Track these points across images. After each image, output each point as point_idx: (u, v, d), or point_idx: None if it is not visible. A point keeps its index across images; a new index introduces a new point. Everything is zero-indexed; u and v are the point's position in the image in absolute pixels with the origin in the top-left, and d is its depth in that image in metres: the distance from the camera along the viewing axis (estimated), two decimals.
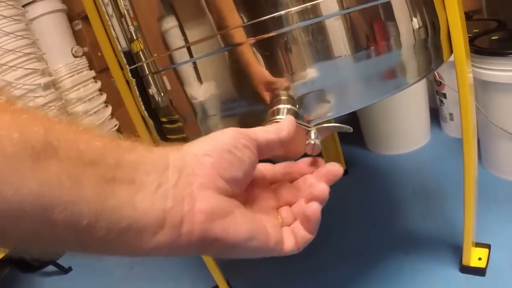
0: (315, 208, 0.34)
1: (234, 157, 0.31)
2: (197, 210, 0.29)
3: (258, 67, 0.54)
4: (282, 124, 0.38)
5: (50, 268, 1.47)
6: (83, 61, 1.82)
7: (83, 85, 1.80)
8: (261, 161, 0.37)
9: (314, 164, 0.40)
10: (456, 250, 0.95)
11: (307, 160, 0.41)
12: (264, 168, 0.39)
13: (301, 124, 0.46)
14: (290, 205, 0.38)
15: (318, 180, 0.37)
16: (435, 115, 1.52)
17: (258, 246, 0.32)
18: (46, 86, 1.61)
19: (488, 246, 0.94)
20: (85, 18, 1.85)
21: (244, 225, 0.31)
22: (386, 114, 1.44)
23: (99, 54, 1.86)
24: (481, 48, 1.06)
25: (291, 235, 0.35)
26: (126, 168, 0.27)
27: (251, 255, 0.32)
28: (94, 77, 1.86)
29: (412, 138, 1.49)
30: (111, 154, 0.26)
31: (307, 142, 0.43)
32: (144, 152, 0.29)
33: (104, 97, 1.89)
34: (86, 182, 0.24)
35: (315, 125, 0.45)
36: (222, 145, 0.31)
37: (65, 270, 1.45)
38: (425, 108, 1.47)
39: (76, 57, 1.78)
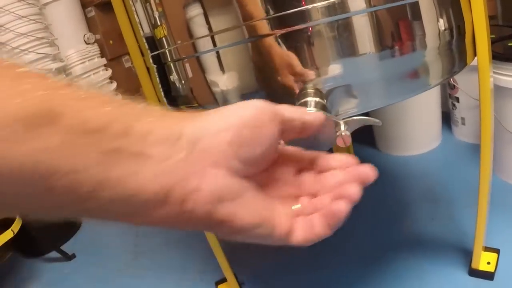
0: (343, 207, 0.31)
1: (254, 133, 0.29)
2: (203, 189, 0.27)
3: (284, 60, 0.54)
4: (311, 111, 0.36)
5: (54, 254, 1.47)
6: (95, 48, 1.82)
7: (94, 72, 1.80)
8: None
9: (346, 161, 0.36)
10: (465, 254, 0.95)
11: (339, 155, 0.37)
12: (292, 152, 0.36)
13: (331, 117, 0.46)
14: (312, 196, 0.35)
15: (348, 179, 0.33)
16: (447, 119, 1.53)
17: (264, 234, 0.30)
18: (57, 72, 1.61)
19: (497, 251, 0.94)
20: (99, 6, 1.85)
21: (252, 211, 0.29)
22: (398, 116, 1.44)
23: (111, 42, 1.86)
24: (497, 53, 1.06)
25: (304, 227, 0.32)
26: (134, 137, 0.25)
27: (256, 241, 0.31)
28: (105, 65, 1.86)
29: (423, 140, 1.48)
30: (118, 121, 0.25)
31: (337, 134, 0.43)
32: (156, 119, 0.27)
33: (114, 85, 1.89)
34: (88, 151, 0.23)
35: (343, 119, 0.45)
36: (243, 120, 0.29)
37: (68, 257, 1.45)
38: (437, 111, 1.47)
39: (88, 44, 1.78)
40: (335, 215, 0.31)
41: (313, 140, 0.47)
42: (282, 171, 0.35)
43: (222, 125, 0.28)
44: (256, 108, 0.30)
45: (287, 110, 0.32)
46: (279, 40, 0.53)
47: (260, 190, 0.31)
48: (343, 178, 0.34)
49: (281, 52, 0.54)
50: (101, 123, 0.24)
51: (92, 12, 1.85)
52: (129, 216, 0.26)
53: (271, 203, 0.32)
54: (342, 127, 0.44)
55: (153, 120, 0.27)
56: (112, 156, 0.24)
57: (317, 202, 0.34)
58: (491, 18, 1.55)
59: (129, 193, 0.25)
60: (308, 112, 0.34)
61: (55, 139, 0.22)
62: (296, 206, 0.33)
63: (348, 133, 0.44)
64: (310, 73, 0.54)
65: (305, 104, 0.50)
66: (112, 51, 1.86)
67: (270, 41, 0.54)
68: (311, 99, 0.51)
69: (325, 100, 0.52)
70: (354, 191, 0.31)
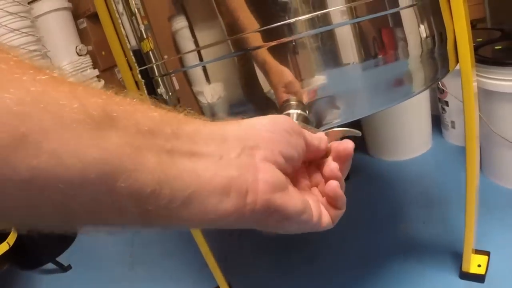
0: (333, 186, 0.35)
1: (291, 138, 0.32)
2: (261, 180, 0.29)
3: (268, 73, 0.55)
4: (323, 137, 0.39)
5: (50, 265, 1.47)
6: (87, 59, 1.83)
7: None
8: None
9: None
10: (456, 257, 0.96)
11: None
12: None
13: (310, 129, 0.47)
14: (317, 185, 0.39)
15: (331, 161, 0.38)
16: (437, 123, 1.54)
17: (307, 219, 0.33)
18: None
19: (487, 253, 0.95)
20: (90, 17, 1.85)
21: (297, 199, 0.32)
22: (389, 121, 1.45)
23: (103, 53, 1.87)
24: (484, 57, 1.07)
25: (326, 211, 0.36)
26: (184, 138, 0.27)
27: (297, 228, 0.34)
28: (97, 76, 1.86)
29: (414, 144, 1.50)
30: (168, 124, 0.26)
31: None
32: (199, 124, 0.29)
33: None
34: (146, 152, 0.24)
35: (324, 130, 0.46)
36: (281, 125, 0.32)
37: (64, 268, 1.45)
38: (427, 115, 1.48)
39: (80, 55, 1.79)
40: (332, 197, 0.36)
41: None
42: (299, 168, 0.38)
43: (264, 127, 0.32)
44: (287, 119, 0.34)
45: (307, 133, 0.36)
46: (263, 53, 0.54)
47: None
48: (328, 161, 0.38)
49: (266, 66, 0.55)
50: (152, 126, 0.25)
51: (84, 24, 1.86)
52: (192, 216, 0.27)
53: (303, 194, 0.35)
54: None
55: (197, 124, 0.28)
56: (167, 156, 0.25)
57: (320, 188, 0.38)
58: (480, 21, 1.56)
59: (189, 190, 0.26)
60: (322, 140, 0.38)
61: (118, 140, 0.22)
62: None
63: (328, 144, 0.45)
64: (294, 85, 0.55)
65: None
66: (105, 62, 1.87)
67: (255, 54, 0.55)
68: (293, 111, 0.52)
69: (307, 112, 0.53)
70: (331, 169, 0.36)
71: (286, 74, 0.54)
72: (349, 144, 0.38)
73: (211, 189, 0.27)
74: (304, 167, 0.39)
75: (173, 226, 0.28)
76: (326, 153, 0.44)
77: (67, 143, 0.20)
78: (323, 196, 0.38)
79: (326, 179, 0.36)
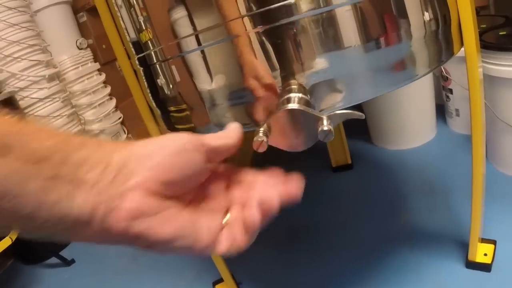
0: (253, 216, 0.34)
1: (178, 160, 0.33)
2: (121, 208, 0.30)
3: (268, 56, 0.54)
4: (229, 131, 0.38)
5: (53, 260, 1.48)
6: (88, 53, 1.82)
7: (88, 77, 1.80)
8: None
9: (274, 175, 0.38)
10: (462, 246, 0.95)
11: (267, 172, 0.39)
12: (223, 169, 0.40)
13: (312, 113, 0.46)
14: (242, 207, 0.37)
15: (272, 192, 0.36)
16: (441, 111, 1.52)
17: (185, 246, 0.33)
18: (51, 78, 1.61)
19: (494, 242, 0.94)
20: (90, 11, 1.84)
21: (170, 226, 0.32)
22: (392, 109, 1.43)
23: (104, 46, 1.86)
24: (488, 43, 1.05)
25: (228, 238, 0.35)
26: (71, 165, 0.29)
27: (177, 253, 0.34)
28: (98, 70, 1.86)
29: (418, 133, 1.48)
30: (59, 152, 0.29)
31: (319, 129, 0.43)
32: (92, 149, 0.31)
33: (108, 89, 1.89)
34: (32, 178, 0.27)
35: (326, 114, 0.45)
36: (167, 148, 0.33)
37: (68, 262, 1.45)
38: (431, 104, 1.46)
39: (81, 49, 1.78)
40: (247, 225, 0.34)
41: (297, 139, 0.47)
42: (213, 187, 0.38)
43: (146, 152, 0.33)
44: (181, 139, 0.34)
45: (213, 140, 0.36)
46: (263, 36, 0.53)
47: (186, 207, 0.35)
48: (267, 191, 0.36)
49: (266, 49, 0.54)
50: (45, 154, 0.28)
51: (84, 17, 1.85)
52: (65, 234, 0.30)
53: (196, 218, 0.34)
54: (325, 122, 0.44)
55: (88, 151, 0.31)
56: (51, 182, 0.28)
57: (244, 213, 0.36)
58: (483, 8, 1.55)
59: (60, 214, 0.28)
60: (231, 135, 0.38)
61: (7, 168, 0.26)
62: (226, 218, 0.37)
63: (331, 128, 0.44)
64: (296, 68, 0.54)
65: (288, 100, 0.50)
66: (105, 55, 1.86)
67: (253, 38, 0.53)
68: (294, 95, 0.51)
69: (308, 96, 0.52)
70: (269, 196, 0.35)
71: (286, 57, 0.53)
72: (298, 192, 0.36)
73: (76, 216, 0.29)
74: (225, 188, 0.38)
75: (50, 238, 0.30)
76: (328, 137, 0.43)
77: None
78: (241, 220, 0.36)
79: (256, 204, 0.35)
